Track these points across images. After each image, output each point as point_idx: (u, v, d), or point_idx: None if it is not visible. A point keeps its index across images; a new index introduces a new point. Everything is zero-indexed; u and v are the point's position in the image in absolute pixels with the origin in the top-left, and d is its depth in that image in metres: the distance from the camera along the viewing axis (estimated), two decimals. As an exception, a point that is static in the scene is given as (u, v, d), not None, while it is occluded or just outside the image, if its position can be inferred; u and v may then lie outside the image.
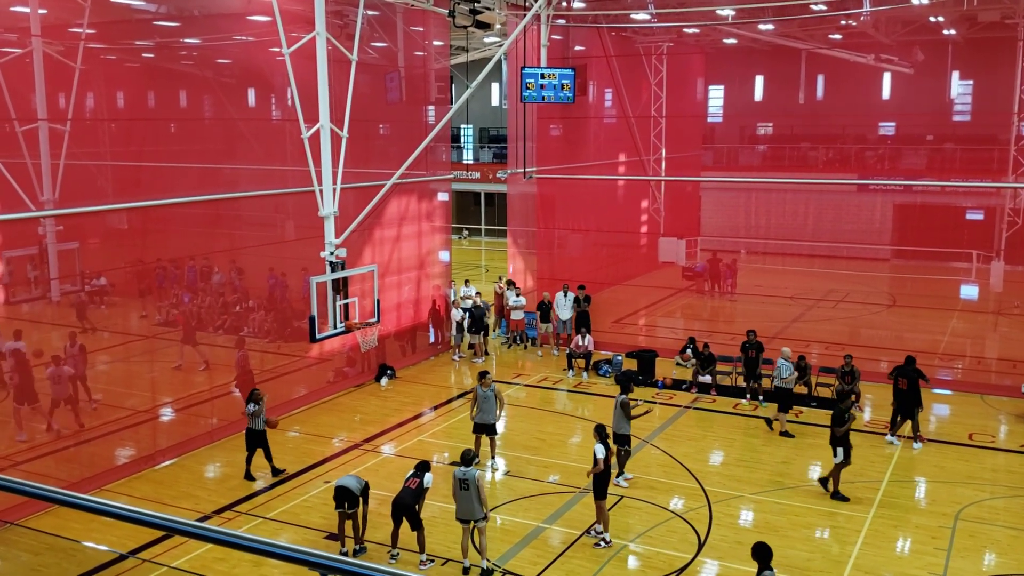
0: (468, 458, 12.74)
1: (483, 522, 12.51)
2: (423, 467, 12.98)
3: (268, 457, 16.03)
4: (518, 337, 25.35)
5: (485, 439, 16.51)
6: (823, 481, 15.23)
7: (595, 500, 13.46)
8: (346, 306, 15.75)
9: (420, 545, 12.75)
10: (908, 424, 17.42)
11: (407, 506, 12.64)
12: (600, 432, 13.68)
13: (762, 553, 10.17)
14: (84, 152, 17.92)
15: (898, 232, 31.37)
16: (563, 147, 27.01)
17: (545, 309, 24.58)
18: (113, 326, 19.71)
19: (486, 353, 24.17)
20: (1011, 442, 17.70)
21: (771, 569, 10.04)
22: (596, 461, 13.32)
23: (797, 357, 20.22)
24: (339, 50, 15.82)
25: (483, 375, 16.47)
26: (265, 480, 15.93)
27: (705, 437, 18.36)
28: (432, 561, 12.86)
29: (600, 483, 13.36)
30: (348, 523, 13.15)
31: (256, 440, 15.88)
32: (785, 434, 17.96)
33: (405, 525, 12.76)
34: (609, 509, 14.11)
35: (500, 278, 27.35)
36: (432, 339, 24.76)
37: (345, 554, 13.01)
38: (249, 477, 15.94)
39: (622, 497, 14.92)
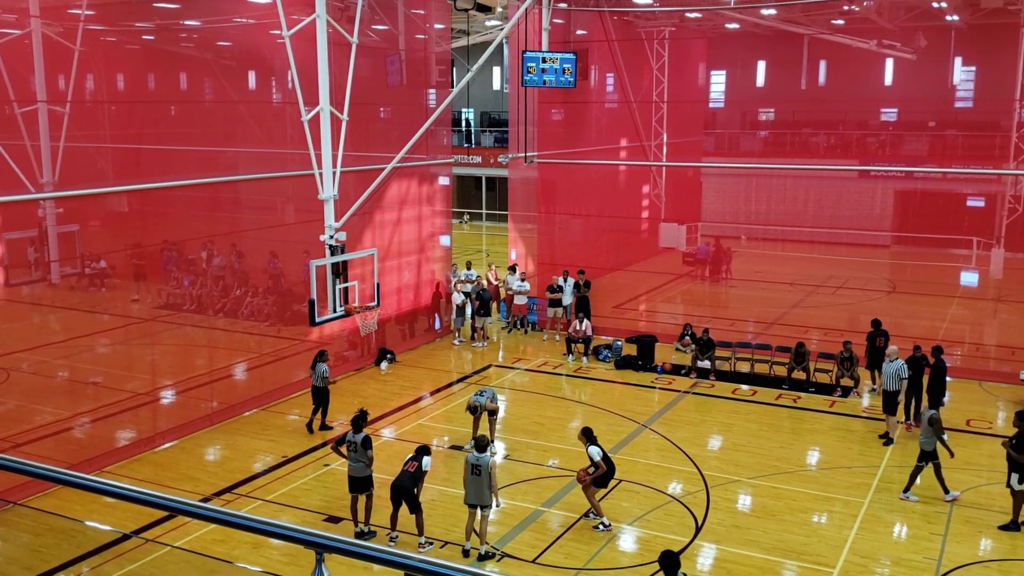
0: (482, 444, 12.78)
1: (488, 510, 12.56)
2: (422, 451, 13.02)
3: (324, 413, 17.35)
4: (519, 322, 25.36)
5: (484, 419, 16.37)
6: (1010, 525, 13.57)
7: (591, 485, 13.45)
8: (346, 290, 15.76)
9: (419, 528, 12.81)
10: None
11: (406, 489, 12.69)
12: (588, 435, 13.61)
13: (668, 561, 9.71)
14: (84, 134, 17.89)
15: (899, 218, 31.35)
16: (564, 132, 26.95)
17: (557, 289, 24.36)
18: (113, 308, 19.73)
19: (486, 338, 24.19)
20: (1009, 429, 17.71)
21: None
22: (596, 464, 13.28)
23: (796, 344, 20.27)
24: (339, 33, 15.77)
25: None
26: (342, 427, 16.69)
27: (704, 422, 18.41)
28: (431, 543, 12.93)
29: (602, 476, 13.36)
30: (361, 505, 13.28)
31: (320, 396, 17.17)
32: (884, 436, 17.02)
33: (404, 508, 12.82)
34: (607, 493, 14.17)
35: (491, 265, 27.33)
36: (438, 326, 24.80)
37: (360, 533, 13.13)
38: (324, 427, 17.46)
39: (620, 481, 14.96)
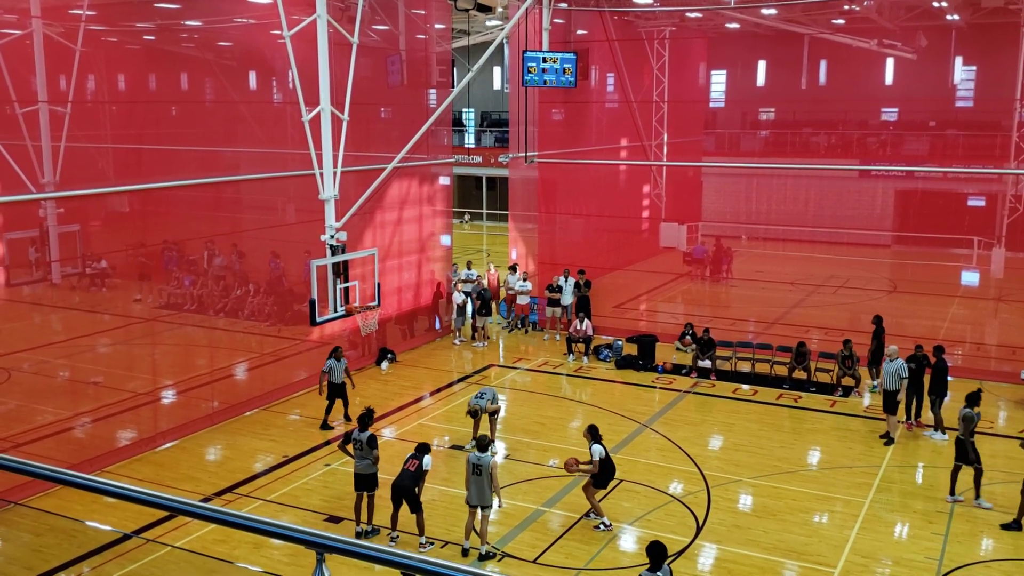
0: (483, 444, 12.78)
1: (488, 510, 12.57)
2: (423, 449, 13.01)
3: (344, 404, 17.80)
4: (520, 322, 25.36)
5: (484, 420, 16.37)
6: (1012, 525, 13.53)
7: (591, 487, 13.44)
8: (346, 289, 15.77)
9: (419, 527, 12.81)
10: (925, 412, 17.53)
11: (407, 488, 12.70)
12: (593, 433, 13.62)
13: (656, 552, 9.64)
14: (85, 134, 17.91)
15: (899, 218, 31.35)
16: (565, 131, 26.95)
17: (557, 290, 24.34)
18: (114, 308, 19.75)
19: (486, 338, 24.17)
20: (1010, 428, 17.74)
21: (661, 570, 9.63)
22: (593, 463, 13.29)
23: (797, 343, 20.26)
24: (340, 33, 15.78)
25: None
26: (342, 428, 17.21)
27: (704, 422, 18.41)
28: (431, 543, 12.93)
29: (603, 475, 13.37)
30: (365, 504, 13.29)
31: (336, 392, 17.51)
32: (885, 437, 17.05)
33: (405, 508, 12.82)
34: (608, 493, 14.18)
35: (490, 266, 27.35)
36: (438, 326, 24.79)
37: (360, 533, 13.17)
38: (325, 426, 17.63)
39: (621, 481, 14.97)
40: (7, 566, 12.73)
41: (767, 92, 34.64)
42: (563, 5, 24.61)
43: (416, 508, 12.75)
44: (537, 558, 12.60)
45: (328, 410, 17.69)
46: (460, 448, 16.59)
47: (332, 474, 15.46)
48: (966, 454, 14.21)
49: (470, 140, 46.16)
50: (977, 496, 14.25)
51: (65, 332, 18.99)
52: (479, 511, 12.55)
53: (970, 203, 28.79)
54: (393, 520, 12.98)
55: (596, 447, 13.34)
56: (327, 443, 16.90)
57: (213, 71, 20.87)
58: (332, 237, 15.72)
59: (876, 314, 20.19)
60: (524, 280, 25.00)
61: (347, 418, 17.83)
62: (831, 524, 13.70)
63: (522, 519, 13.77)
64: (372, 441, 13.12)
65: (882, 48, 29.23)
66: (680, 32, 30.78)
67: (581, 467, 13.41)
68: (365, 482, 13.12)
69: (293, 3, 16.19)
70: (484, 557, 12.51)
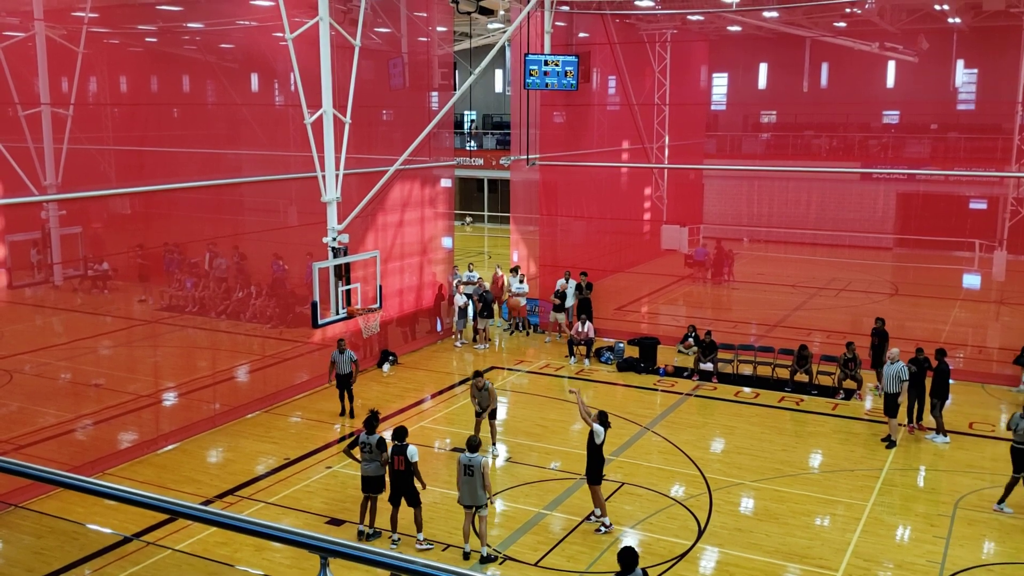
0: (473, 444, 12.77)
1: (484, 509, 12.56)
2: (399, 436, 12.89)
3: (349, 399, 18.22)
4: (520, 324, 25.36)
5: (485, 423, 16.38)
6: None
7: (590, 485, 13.49)
8: (348, 292, 15.78)
9: (417, 524, 12.81)
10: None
11: (406, 484, 12.70)
12: (602, 418, 13.62)
13: (627, 558, 9.69)
14: (87, 136, 17.94)
15: (901, 221, 31.33)
16: (566, 134, 26.97)
17: (562, 297, 24.33)
18: (116, 311, 19.76)
19: (487, 340, 24.18)
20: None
21: (634, 572, 9.67)
22: (587, 408, 13.65)
23: (799, 346, 20.25)
24: (342, 35, 15.80)
25: (477, 375, 16.27)
26: (341, 429, 17.63)
27: (706, 424, 18.40)
28: (431, 545, 12.92)
29: (594, 468, 13.38)
30: (370, 506, 13.29)
31: (341, 383, 18.08)
32: (887, 440, 17.02)
33: (404, 508, 12.83)
34: (609, 496, 14.18)
35: (497, 269, 27.35)
36: (439, 328, 24.78)
37: (362, 533, 13.17)
38: (352, 415, 18.21)
39: (623, 484, 14.97)
40: (8, 568, 12.74)
41: (768, 95, 34.65)
42: (565, 8, 24.62)
43: (414, 503, 12.75)
44: (539, 561, 12.59)
45: (340, 397, 18.20)
46: (461, 450, 16.55)
47: (334, 476, 15.45)
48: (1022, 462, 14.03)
49: (468, 143, 46.21)
50: (1001, 500, 14.20)
51: (67, 334, 19.00)
52: (475, 512, 12.55)
53: (972, 206, 28.78)
54: (393, 521, 12.98)
55: (598, 427, 13.32)
56: (326, 446, 16.88)
57: (215, 73, 20.90)
58: (334, 239, 15.74)
59: (878, 316, 20.17)
60: (521, 282, 25.00)
61: (351, 413, 18.07)
62: (833, 527, 13.68)
63: (524, 522, 13.76)
64: (382, 444, 13.12)
65: (883, 51, 29.22)
66: (681, 35, 30.79)
67: (580, 399, 13.83)
68: (374, 484, 13.12)
69: (295, 6, 16.22)
70: (485, 560, 12.50)
